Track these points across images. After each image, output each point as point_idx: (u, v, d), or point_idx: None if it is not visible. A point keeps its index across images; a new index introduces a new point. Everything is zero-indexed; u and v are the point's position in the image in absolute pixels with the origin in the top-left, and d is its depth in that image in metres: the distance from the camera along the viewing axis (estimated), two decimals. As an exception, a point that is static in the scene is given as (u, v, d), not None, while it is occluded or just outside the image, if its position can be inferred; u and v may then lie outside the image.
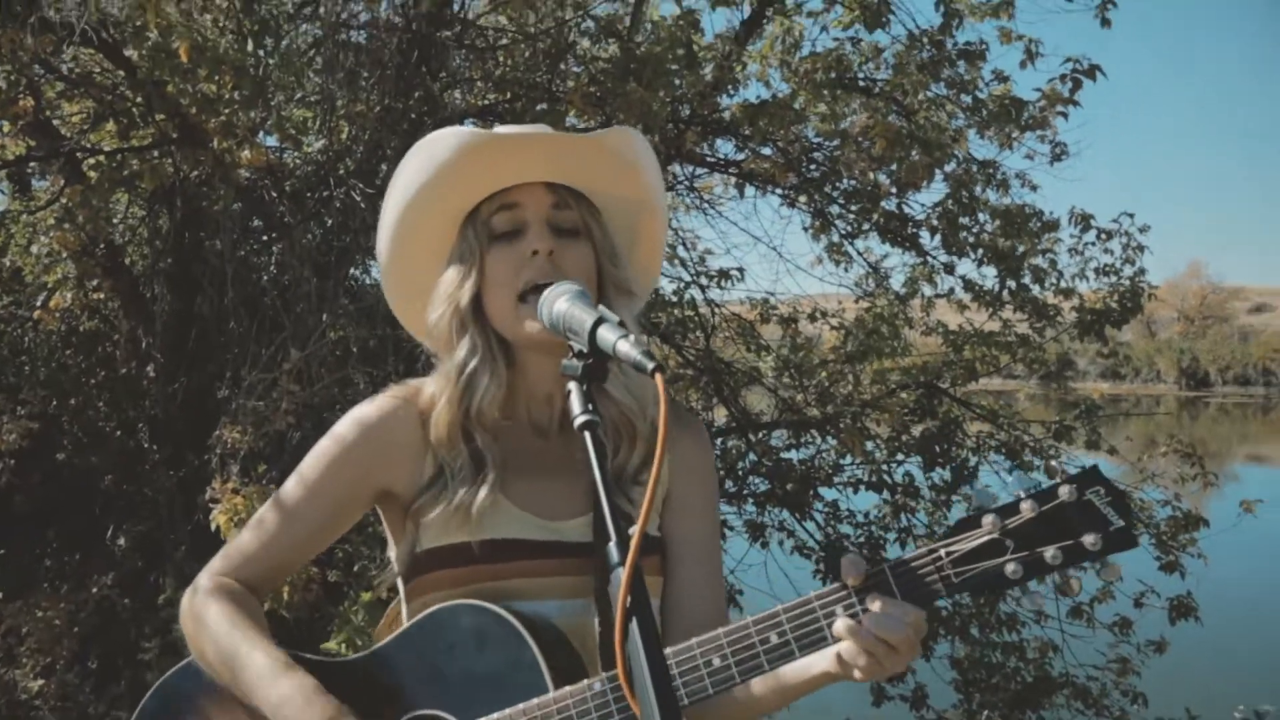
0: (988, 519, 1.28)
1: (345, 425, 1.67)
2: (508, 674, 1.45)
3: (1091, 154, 6.50)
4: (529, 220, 1.61)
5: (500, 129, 1.62)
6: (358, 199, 4.30)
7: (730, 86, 5.69)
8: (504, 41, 5.14)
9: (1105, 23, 5.69)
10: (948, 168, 5.45)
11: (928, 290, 6.81)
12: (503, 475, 1.60)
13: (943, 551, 1.31)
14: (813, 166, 6.37)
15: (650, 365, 1.17)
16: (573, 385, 1.28)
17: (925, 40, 5.97)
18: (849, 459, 6.55)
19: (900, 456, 6.38)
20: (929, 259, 6.57)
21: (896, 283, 6.96)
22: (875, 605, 1.33)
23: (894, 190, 5.78)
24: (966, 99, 6.00)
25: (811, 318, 6.93)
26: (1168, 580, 5.53)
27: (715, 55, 5.55)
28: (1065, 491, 1.25)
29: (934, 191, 6.07)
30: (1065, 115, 5.25)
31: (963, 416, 6.45)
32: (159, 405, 5.38)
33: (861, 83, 6.11)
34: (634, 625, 1.09)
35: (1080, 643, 5.65)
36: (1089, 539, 1.24)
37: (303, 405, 4.25)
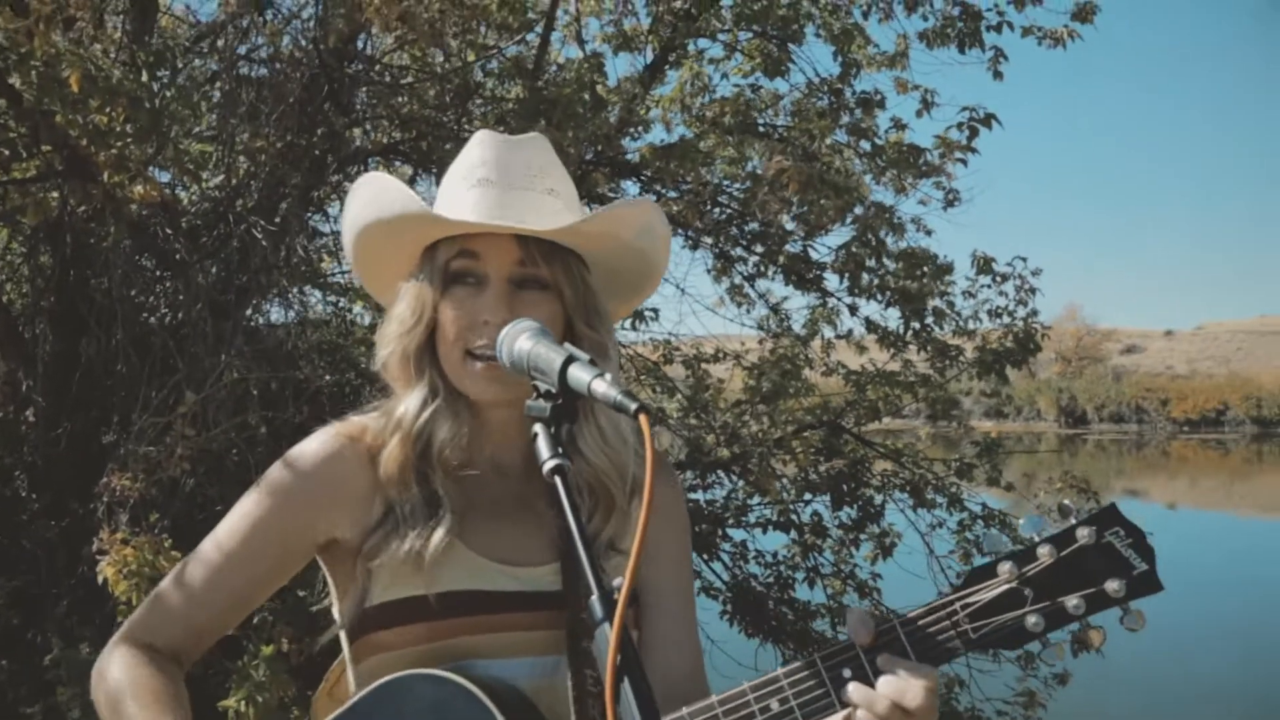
0: (1004, 567, 1.19)
1: (283, 468, 1.51)
2: None
3: (979, 200, 6.71)
4: (489, 275, 1.47)
5: (493, 152, 1.50)
6: (258, 236, 4.15)
7: (635, 129, 5.72)
8: (410, 79, 5.06)
9: (997, 75, 5.91)
10: (855, 211, 5.55)
11: (828, 332, 6.92)
12: (462, 520, 1.45)
13: (958, 605, 1.21)
14: (717, 210, 6.44)
15: (633, 406, 1.08)
16: (539, 428, 1.19)
17: (825, 88, 6.12)
18: (756, 499, 6.57)
19: (808, 496, 6.42)
20: (829, 301, 6.69)
21: (797, 324, 7.07)
22: (889, 668, 1.22)
23: (801, 234, 5.86)
24: (865, 145, 6.17)
25: (714, 359, 6.96)
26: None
27: (620, 98, 5.57)
28: (1084, 534, 1.18)
29: (837, 235, 6.17)
30: (965, 162, 5.41)
31: (868, 455, 6.53)
32: (38, 451, 5.09)
33: (761, 128, 6.22)
34: (625, 686, 1.00)
35: (986, 677, 5.73)
36: (1112, 585, 1.16)
37: (198, 450, 4.06)
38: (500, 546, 1.48)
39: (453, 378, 1.50)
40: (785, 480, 6.42)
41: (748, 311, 7.24)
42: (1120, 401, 69.93)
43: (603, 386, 1.13)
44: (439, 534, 1.42)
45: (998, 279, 6.37)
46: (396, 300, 1.54)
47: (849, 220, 5.34)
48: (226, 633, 1.56)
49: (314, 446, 1.51)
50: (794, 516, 6.57)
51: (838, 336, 6.96)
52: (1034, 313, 6.52)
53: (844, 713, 1.25)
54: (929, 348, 6.00)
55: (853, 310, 6.37)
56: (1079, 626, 1.19)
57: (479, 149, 1.53)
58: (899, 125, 6.08)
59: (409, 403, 1.50)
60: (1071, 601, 1.17)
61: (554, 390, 1.20)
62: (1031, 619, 1.18)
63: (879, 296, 5.82)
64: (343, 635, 1.52)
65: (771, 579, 6.49)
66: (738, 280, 7.09)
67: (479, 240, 1.48)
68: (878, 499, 6.52)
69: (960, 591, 1.21)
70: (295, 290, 4.80)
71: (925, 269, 5.99)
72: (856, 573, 6.64)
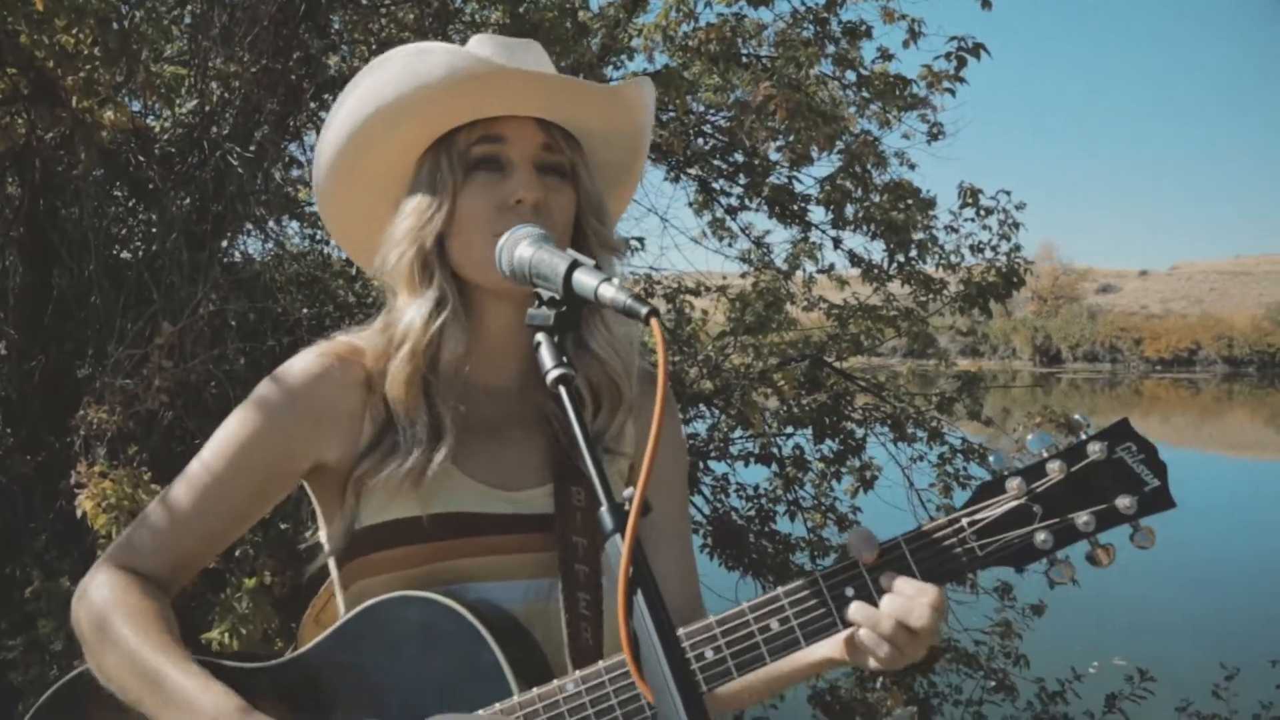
0: (1013, 482, 1.15)
1: (271, 389, 1.44)
2: (463, 678, 1.27)
3: (958, 135, 6.62)
4: (514, 160, 1.42)
5: (493, 51, 1.41)
6: (234, 163, 4.05)
7: (618, 57, 5.60)
8: (388, 1, 4.92)
9: (986, 4, 5.80)
10: (841, 141, 5.47)
11: (810, 266, 6.87)
12: (457, 440, 1.40)
13: (965, 521, 1.17)
14: (701, 140, 6.34)
15: (644, 310, 1.04)
16: (542, 337, 1.14)
17: (810, 17, 6.00)
18: (738, 432, 6.57)
19: (790, 429, 6.43)
20: (811, 234, 6.63)
21: (779, 259, 7.02)
22: (894, 586, 1.19)
23: (787, 164, 5.78)
24: (851, 76, 6.07)
25: (695, 292, 6.91)
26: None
27: (603, 25, 5.45)
28: (1095, 449, 1.14)
29: (821, 168, 6.09)
30: (953, 92, 5.33)
31: (849, 389, 6.53)
32: (12, 385, 5.00)
33: (745, 59, 6.10)
34: (639, 599, 0.96)
35: (964, 608, 5.79)
36: (1123, 502, 1.13)
37: (176, 382, 4.00)
38: (493, 469, 1.44)
39: (477, 270, 1.42)
40: (767, 413, 6.42)
41: (730, 245, 7.18)
42: (1095, 340, 70.61)
43: (611, 291, 1.08)
44: (440, 455, 1.37)
45: (982, 212, 6.33)
46: (391, 202, 1.47)
47: (836, 150, 5.26)
48: (208, 562, 1.51)
49: (301, 366, 1.45)
50: (775, 450, 6.58)
51: (819, 271, 6.92)
52: (1017, 247, 6.51)
53: (846, 632, 1.22)
54: (913, 281, 5.96)
55: (836, 243, 6.32)
56: (1088, 545, 1.15)
57: (478, 45, 1.45)
58: (885, 55, 5.98)
59: (416, 311, 1.41)
60: (1082, 518, 1.13)
61: (558, 297, 1.15)
62: (1040, 536, 1.14)
63: (865, 229, 5.76)
64: (331, 560, 1.48)
65: (752, 512, 6.52)
66: (719, 213, 7.02)
67: (503, 124, 1.42)
68: (859, 432, 6.53)
69: (968, 508, 1.17)
70: (273, 221, 4.70)
71: (910, 201, 5.93)
72: (837, 506, 6.68)
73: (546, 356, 1.13)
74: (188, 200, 4.38)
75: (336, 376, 1.43)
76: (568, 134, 1.47)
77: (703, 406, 6.52)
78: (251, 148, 4.35)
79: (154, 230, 4.36)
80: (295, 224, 5.55)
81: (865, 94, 5.99)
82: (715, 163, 6.11)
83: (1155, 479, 1.13)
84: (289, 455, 1.43)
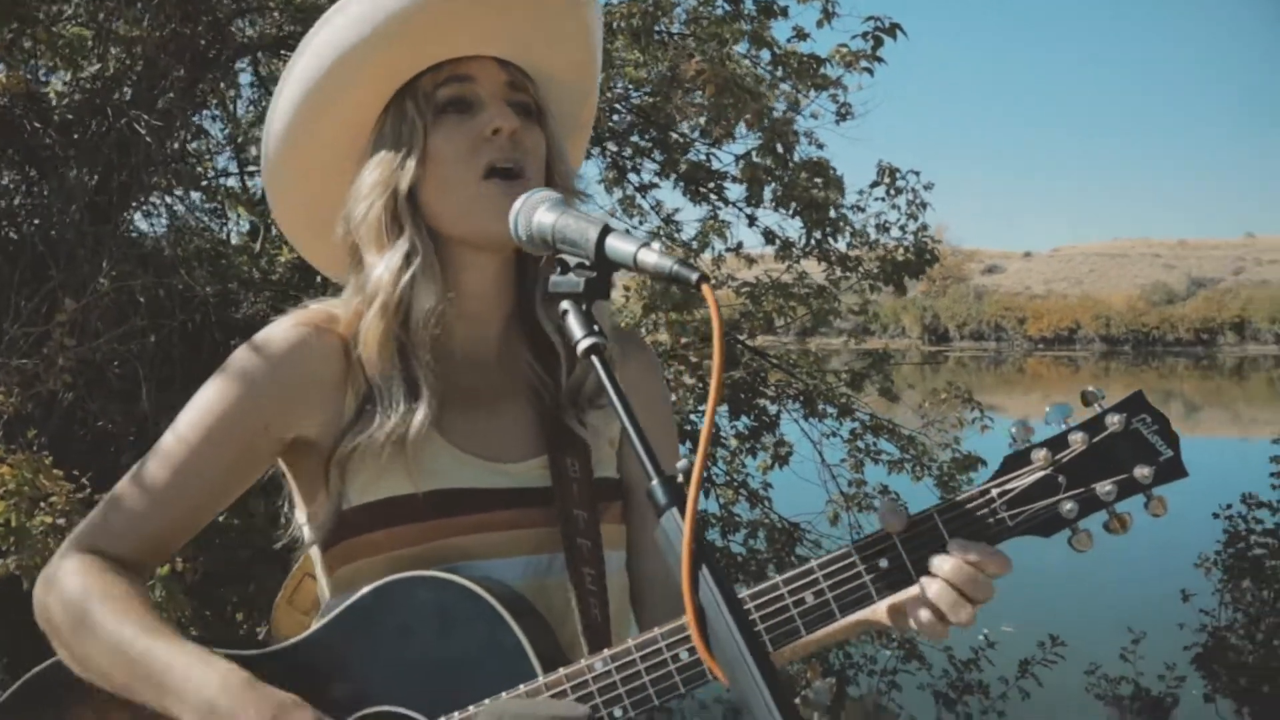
0: (1038, 454, 1.17)
1: (246, 359, 1.35)
2: (484, 661, 1.22)
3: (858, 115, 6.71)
4: (483, 96, 1.37)
5: None
6: (141, 131, 3.86)
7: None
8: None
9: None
10: (770, 118, 5.48)
11: (719, 244, 6.90)
12: (439, 411, 1.33)
13: (995, 491, 1.18)
14: (616, 117, 6.30)
15: (694, 276, 1.00)
16: (569, 304, 1.10)
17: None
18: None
19: (704, 405, 6.46)
20: (722, 212, 6.65)
21: (688, 236, 7.03)
22: (960, 550, 1.16)
23: (707, 142, 5.78)
24: (766, 55, 6.09)
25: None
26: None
27: None
28: (1114, 421, 1.16)
29: (738, 145, 6.10)
30: (871, 71, 5.39)
31: (764, 366, 6.60)
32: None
33: (658, 35, 6.07)
34: (704, 573, 0.93)
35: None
36: (1141, 471, 1.15)
37: (79, 362, 3.81)
38: (481, 441, 1.38)
39: (456, 215, 1.36)
40: (684, 390, 6.45)
41: (639, 224, 7.16)
42: (980, 320, 72.87)
43: (653, 257, 1.04)
44: (419, 416, 1.31)
45: (892, 192, 6.44)
46: (362, 169, 1.39)
47: (762, 127, 5.26)
48: (181, 544, 1.40)
49: (278, 334, 1.36)
50: (689, 426, 6.61)
51: (729, 249, 6.95)
52: (924, 226, 6.65)
53: (889, 600, 1.20)
54: (831, 259, 6.03)
55: (751, 221, 6.35)
56: (1106, 514, 1.18)
57: None
58: (800, 35, 6.01)
59: (384, 265, 1.34)
60: (1105, 487, 1.16)
61: (588, 263, 1.10)
62: (1067, 505, 1.16)
63: (784, 207, 5.80)
64: (313, 545, 1.40)
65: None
66: (630, 191, 7.00)
67: (468, 63, 1.38)
68: (772, 409, 6.61)
69: (997, 479, 1.19)
70: (181, 191, 4.50)
71: (822, 179, 5.99)
72: (748, 482, 6.76)
73: (575, 325, 1.09)
74: (89, 170, 4.17)
75: (314, 345, 1.36)
76: (527, 75, 1.43)
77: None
78: (157, 117, 4.16)
79: (49, 200, 4.14)
80: (197, 196, 5.33)
81: (779, 73, 6.02)
82: (633, 140, 6.07)
83: (1169, 449, 1.17)
84: (267, 428, 1.35)
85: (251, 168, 6.44)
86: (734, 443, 6.49)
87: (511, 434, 1.40)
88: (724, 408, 6.40)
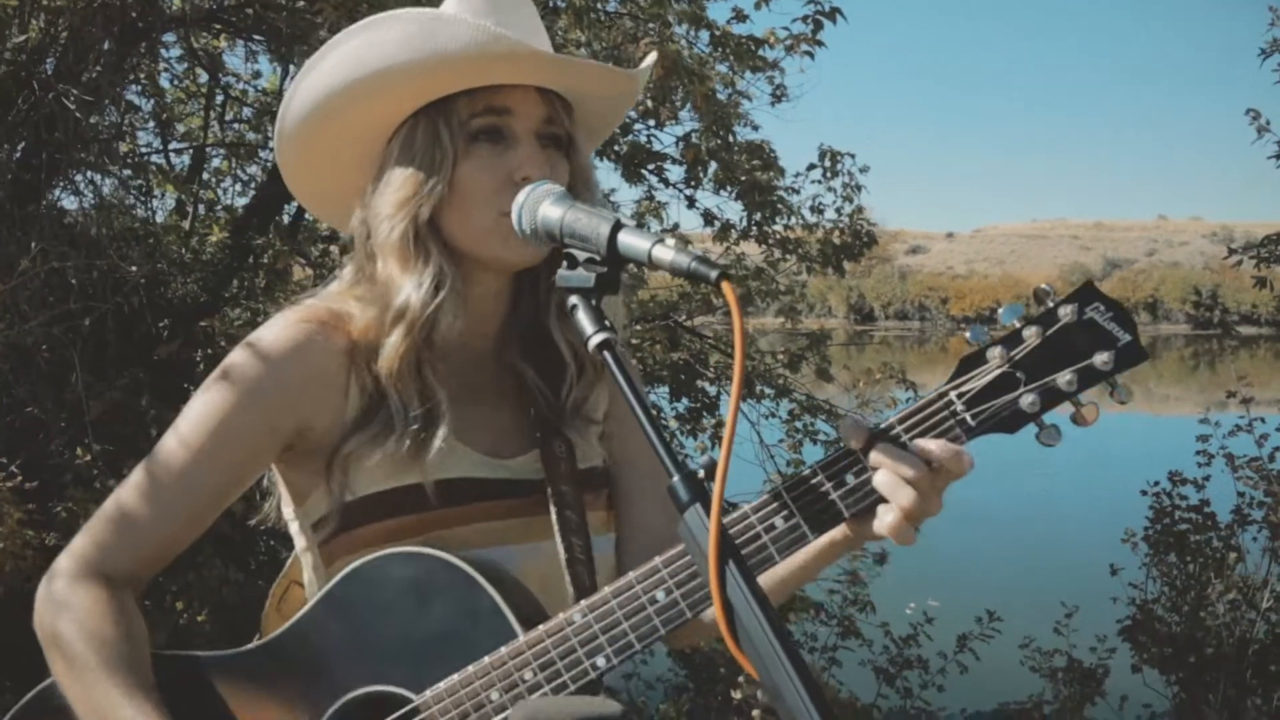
0: (993, 352, 1.16)
1: (247, 361, 1.34)
2: (464, 627, 1.23)
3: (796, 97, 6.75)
4: (518, 133, 1.36)
5: (481, 6, 1.34)
6: (70, 105, 3.72)
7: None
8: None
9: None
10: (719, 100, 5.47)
11: (655, 226, 6.89)
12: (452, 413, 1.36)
13: (953, 394, 1.17)
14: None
15: (713, 274, 1.00)
16: (578, 299, 1.10)
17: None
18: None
19: (648, 387, 6.47)
20: (659, 193, 6.65)
21: (623, 217, 6.99)
22: (914, 448, 1.15)
23: (649, 123, 5.76)
24: (705, 36, 6.07)
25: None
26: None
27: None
28: (1066, 312, 1.16)
29: (679, 126, 6.09)
30: (812, 54, 5.42)
31: (704, 348, 6.62)
32: None
33: (594, 14, 6.02)
34: (731, 567, 0.94)
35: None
36: (1100, 358, 1.14)
37: (7, 347, 3.68)
38: (480, 434, 1.41)
39: (476, 244, 1.37)
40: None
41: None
42: (905, 300, 74.13)
43: (669, 254, 1.04)
44: (441, 429, 1.33)
45: (829, 174, 6.50)
46: (384, 181, 1.38)
47: (709, 109, 5.24)
48: (184, 548, 1.38)
49: (282, 334, 1.36)
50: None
51: (665, 231, 6.95)
52: (859, 209, 6.72)
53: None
54: (770, 241, 6.07)
55: (691, 203, 6.35)
56: (1071, 406, 1.18)
57: (461, 3, 1.37)
58: (740, 17, 6.01)
59: (413, 289, 1.34)
60: (1064, 378, 1.16)
61: (598, 258, 1.10)
62: (1027, 399, 1.16)
63: (726, 189, 5.81)
64: (305, 535, 1.41)
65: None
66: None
67: (507, 94, 1.35)
68: (711, 390, 6.64)
69: (953, 381, 1.18)
70: (115, 169, 4.36)
71: (760, 160, 6.01)
72: (687, 462, 6.78)
73: (585, 320, 1.09)
74: (11, 146, 4.00)
75: (319, 343, 1.36)
76: (565, 101, 1.42)
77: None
78: (83, 80, 4.01)
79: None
80: (127, 173, 5.15)
81: (721, 53, 6.01)
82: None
83: (1127, 334, 1.17)
84: (272, 429, 1.35)
85: (176, 144, 6.26)
86: (674, 424, 6.50)
87: (508, 429, 1.44)
88: (664, 389, 6.41)
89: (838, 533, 1.23)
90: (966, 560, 9.48)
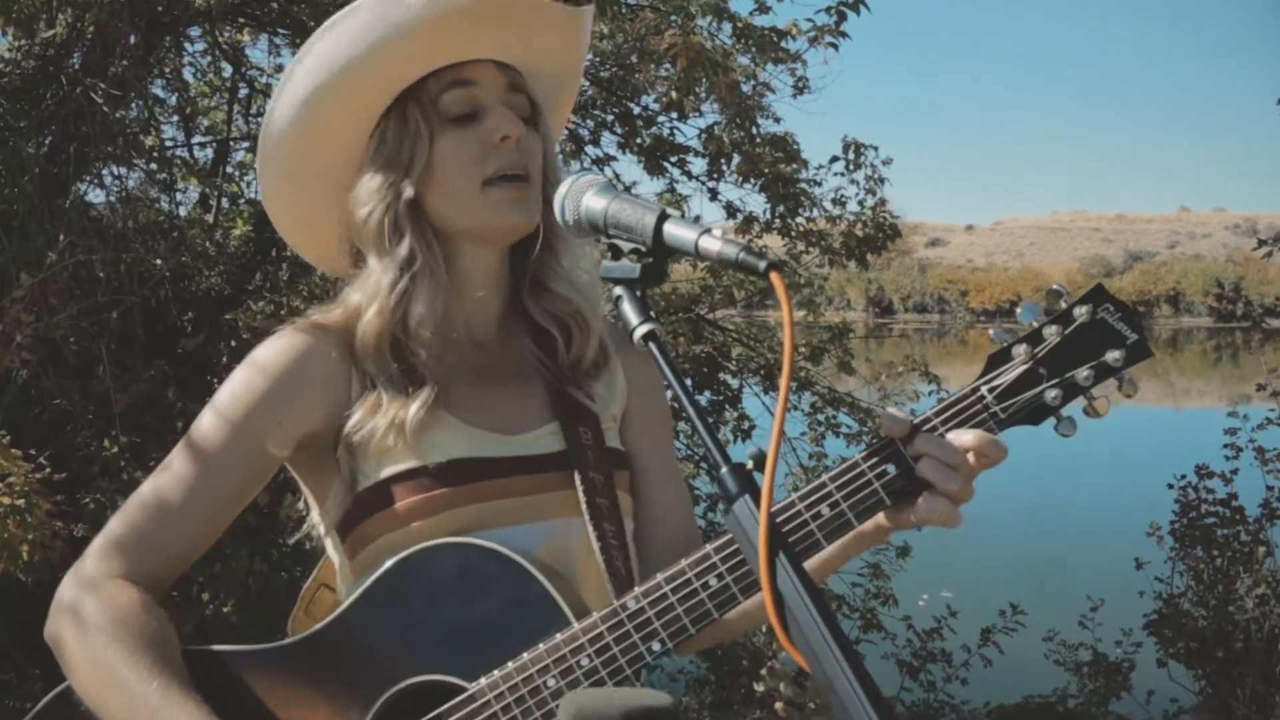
0: (1019, 349, 1.26)
1: (256, 364, 1.38)
2: (514, 615, 1.23)
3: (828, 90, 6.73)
4: (486, 101, 1.40)
5: None
6: (98, 99, 3.74)
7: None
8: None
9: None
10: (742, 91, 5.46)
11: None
12: (447, 391, 1.38)
13: (984, 389, 1.27)
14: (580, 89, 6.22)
15: (762, 264, 1.00)
16: (623, 290, 1.10)
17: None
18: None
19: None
20: (681, 186, 6.63)
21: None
22: (952, 436, 1.23)
23: (673, 116, 5.75)
24: (728, 28, 6.05)
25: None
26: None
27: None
28: (1081, 312, 1.26)
29: (702, 118, 6.08)
30: (836, 46, 5.39)
31: (727, 341, 6.62)
32: None
33: (617, 5, 6.01)
34: (782, 558, 0.93)
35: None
36: (1112, 355, 1.25)
37: (35, 339, 3.70)
38: (488, 414, 1.41)
39: (462, 215, 1.40)
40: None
41: (594, 197, 7.10)
42: (924, 292, 73.81)
43: (716, 244, 1.04)
44: (417, 404, 1.34)
45: (852, 166, 6.46)
46: (364, 174, 1.41)
47: (733, 101, 5.23)
48: (203, 551, 1.39)
49: (283, 344, 1.39)
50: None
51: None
52: (882, 201, 6.69)
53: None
54: (794, 234, 6.05)
55: (713, 195, 6.34)
56: (1085, 400, 1.27)
57: None
58: (762, 8, 5.98)
59: (381, 273, 1.38)
60: (1083, 373, 1.25)
61: (644, 249, 1.10)
62: (1051, 393, 1.25)
63: (751, 181, 5.79)
64: (331, 536, 1.42)
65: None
66: (587, 164, 6.94)
67: (470, 67, 1.41)
68: (734, 383, 6.64)
69: (983, 377, 1.28)
70: (141, 162, 4.38)
71: (784, 153, 5.99)
72: (710, 456, 6.76)
73: (631, 311, 1.09)
74: (40, 140, 4.03)
75: (320, 344, 1.39)
76: (521, 74, 1.46)
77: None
78: (109, 74, 4.03)
79: (1, 172, 3.99)
80: (153, 167, 5.19)
81: (745, 45, 5.99)
82: (595, 113, 6.02)
83: (1134, 333, 1.27)
84: (282, 431, 1.37)
85: (200, 138, 6.30)
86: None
87: (519, 406, 1.44)
88: (688, 382, 6.41)
89: (870, 524, 1.28)
90: (989, 553, 9.45)
